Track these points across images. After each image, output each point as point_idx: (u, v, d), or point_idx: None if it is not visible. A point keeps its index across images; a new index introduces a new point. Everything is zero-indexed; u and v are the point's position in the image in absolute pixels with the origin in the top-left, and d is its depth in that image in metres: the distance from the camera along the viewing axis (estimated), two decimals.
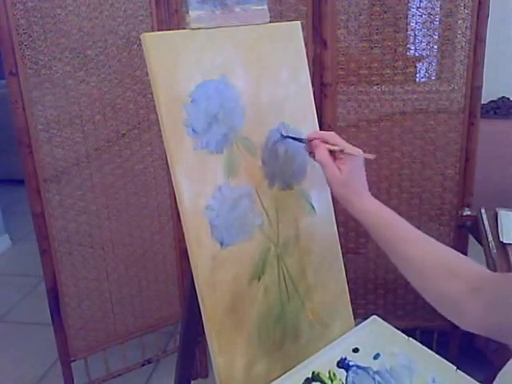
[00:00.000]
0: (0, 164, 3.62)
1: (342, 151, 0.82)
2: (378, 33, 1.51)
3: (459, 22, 1.49)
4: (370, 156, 0.83)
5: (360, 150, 0.83)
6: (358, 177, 0.83)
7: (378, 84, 1.57)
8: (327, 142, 0.84)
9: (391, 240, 0.79)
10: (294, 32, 0.96)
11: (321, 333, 0.97)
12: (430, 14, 1.50)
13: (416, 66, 1.57)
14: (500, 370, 0.59)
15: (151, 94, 0.77)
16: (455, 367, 0.83)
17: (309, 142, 0.87)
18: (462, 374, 0.83)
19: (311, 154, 0.87)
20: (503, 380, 0.58)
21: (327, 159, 0.83)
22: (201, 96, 0.80)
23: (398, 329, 0.94)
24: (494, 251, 1.31)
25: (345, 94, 1.59)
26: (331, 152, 0.83)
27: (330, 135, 0.85)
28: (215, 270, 0.80)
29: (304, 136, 0.90)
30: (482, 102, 1.61)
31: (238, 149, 0.84)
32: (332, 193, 0.86)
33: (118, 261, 1.67)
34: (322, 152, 0.83)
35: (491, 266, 1.27)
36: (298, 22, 0.96)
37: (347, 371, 0.86)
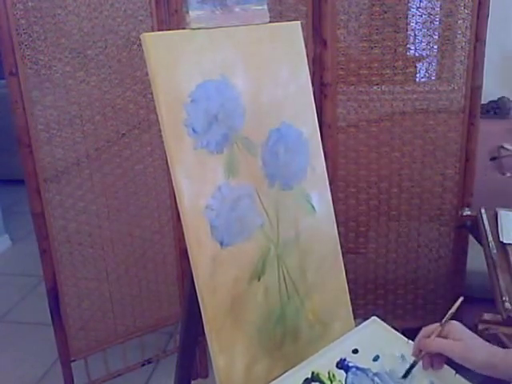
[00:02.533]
0: (0, 164, 3.62)
1: (441, 325, 0.82)
2: (378, 33, 1.51)
3: (459, 21, 1.49)
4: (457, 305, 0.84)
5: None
6: (471, 337, 0.81)
7: (377, 84, 1.57)
8: (428, 336, 0.83)
9: None
10: (294, 32, 0.96)
11: (321, 333, 0.97)
12: (430, 14, 1.50)
13: (416, 66, 1.57)
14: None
15: (151, 94, 0.77)
16: (454, 371, 0.83)
17: (419, 352, 0.84)
18: (461, 378, 0.83)
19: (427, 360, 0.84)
20: None
21: (443, 343, 0.81)
22: (201, 96, 0.79)
23: (398, 329, 0.94)
24: (494, 251, 1.31)
25: (345, 94, 1.59)
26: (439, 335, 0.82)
27: (425, 331, 0.84)
28: (215, 270, 0.80)
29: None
30: (482, 102, 1.61)
31: (238, 149, 0.84)
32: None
33: (118, 261, 1.67)
34: (434, 345, 0.81)
35: (491, 266, 1.27)
36: (298, 22, 0.96)
37: (346, 372, 0.86)
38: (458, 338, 0.81)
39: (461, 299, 0.86)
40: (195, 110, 0.79)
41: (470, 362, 0.79)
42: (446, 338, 0.81)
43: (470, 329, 0.81)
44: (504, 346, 1.13)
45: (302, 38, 0.96)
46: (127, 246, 1.67)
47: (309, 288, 0.95)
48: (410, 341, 0.90)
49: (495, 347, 0.81)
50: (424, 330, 0.84)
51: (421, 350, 0.83)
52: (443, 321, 0.83)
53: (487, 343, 0.82)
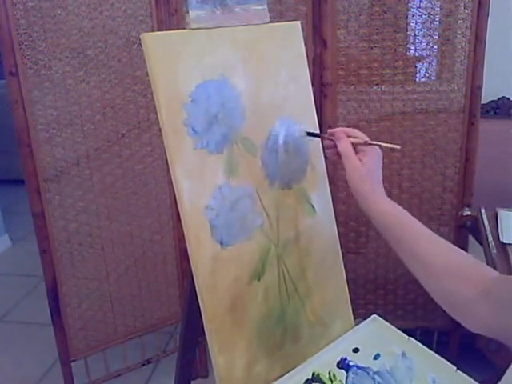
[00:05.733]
0: (0, 164, 3.62)
1: (365, 143, 0.84)
2: (378, 33, 1.51)
3: (459, 22, 1.49)
4: (396, 146, 0.85)
5: (386, 144, 0.85)
6: (377, 172, 0.85)
7: (377, 84, 1.57)
8: (350, 136, 0.86)
9: (402, 240, 0.80)
10: (293, 32, 0.96)
11: (321, 333, 0.97)
12: (429, 14, 1.50)
13: (416, 66, 1.57)
14: (504, 370, 0.59)
15: (151, 94, 0.77)
16: (455, 367, 0.83)
17: (331, 136, 0.88)
18: (462, 374, 0.83)
19: (330, 149, 0.89)
20: (508, 380, 0.58)
21: (350, 150, 0.84)
22: (201, 96, 0.79)
23: (398, 329, 0.94)
24: (494, 251, 1.31)
25: (345, 94, 1.59)
26: (353, 146, 0.85)
27: (353, 130, 0.87)
28: (215, 270, 0.80)
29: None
30: (482, 102, 1.61)
31: (238, 149, 0.84)
32: (349, 187, 0.86)
33: (118, 261, 1.67)
34: (344, 144, 0.85)
35: (491, 266, 1.27)
36: (298, 22, 0.96)
37: (347, 372, 0.86)
38: (368, 165, 0.83)
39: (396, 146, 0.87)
40: (195, 110, 0.79)
41: (357, 191, 0.83)
42: (358, 152, 0.84)
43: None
44: (505, 347, 1.13)
45: (301, 37, 0.96)
46: (127, 246, 1.67)
47: (309, 288, 0.95)
48: (411, 338, 0.90)
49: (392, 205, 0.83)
50: (351, 130, 0.87)
51: (332, 135, 0.87)
52: (371, 142, 0.84)
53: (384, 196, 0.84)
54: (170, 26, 1.50)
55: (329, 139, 0.89)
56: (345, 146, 0.85)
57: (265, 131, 0.89)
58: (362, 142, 0.85)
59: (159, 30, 1.50)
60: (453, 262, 0.76)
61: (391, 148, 0.86)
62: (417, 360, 0.86)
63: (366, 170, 0.83)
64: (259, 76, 0.88)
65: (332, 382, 0.84)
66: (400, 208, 0.83)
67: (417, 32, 1.52)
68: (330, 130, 0.89)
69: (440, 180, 1.63)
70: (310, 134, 0.93)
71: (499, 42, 1.90)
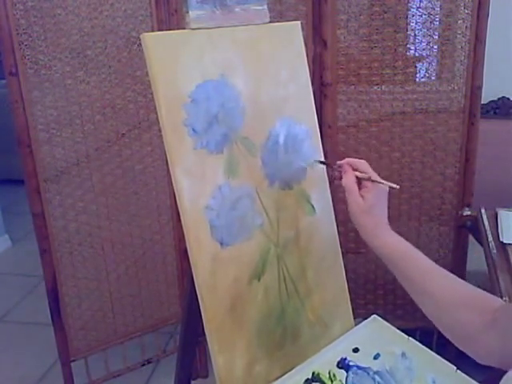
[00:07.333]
0: (0, 164, 3.62)
1: (368, 179, 0.84)
2: (378, 33, 1.51)
3: (459, 22, 1.49)
4: (395, 185, 0.84)
5: (387, 182, 0.85)
6: (379, 208, 0.84)
7: (377, 84, 1.57)
8: (356, 169, 0.86)
9: (408, 273, 0.80)
10: (293, 32, 0.96)
11: (321, 333, 0.97)
12: (429, 14, 1.50)
13: (416, 66, 1.57)
14: (503, 373, 0.59)
15: (151, 94, 0.77)
16: (455, 367, 0.83)
17: (339, 167, 0.88)
18: (462, 374, 0.83)
19: (337, 179, 0.89)
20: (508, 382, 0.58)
21: (353, 185, 0.84)
22: (201, 96, 0.79)
23: (398, 329, 0.94)
24: (494, 251, 1.31)
25: (345, 94, 1.59)
26: (358, 180, 0.85)
27: (361, 163, 0.87)
28: (215, 270, 0.80)
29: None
30: (482, 102, 1.61)
31: (238, 149, 0.84)
32: (352, 220, 0.87)
33: (118, 261, 1.67)
34: (349, 177, 0.85)
35: (491, 265, 1.27)
36: (298, 22, 0.96)
37: (347, 371, 0.86)
38: (370, 201, 0.83)
39: (394, 185, 0.85)
40: (195, 110, 0.79)
41: (358, 225, 0.84)
42: (362, 187, 0.84)
43: None
44: None
45: (301, 37, 0.96)
46: (127, 246, 1.67)
47: (309, 288, 0.95)
48: (411, 338, 0.90)
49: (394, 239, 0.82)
50: (358, 163, 0.86)
51: (340, 167, 0.87)
52: (374, 179, 0.84)
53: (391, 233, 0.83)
54: (170, 26, 1.50)
55: (337, 170, 0.89)
56: (348, 179, 0.85)
57: (265, 131, 0.89)
58: (366, 177, 0.84)
59: (159, 29, 1.50)
60: (459, 295, 0.77)
61: (391, 187, 0.85)
62: (417, 360, 0.86)
63: (367, 207, 0.83)
64: (259, 76, 0.88)
65: (332, 381, 0.84)
66: (404, 242, 0.83)
67: (417, 32, 1.52)
68: (338, 162, 0.88)
69: (440, 180, 1.63)
70: (320, 163, 0.95)
71: (499, 42, 1.90)
